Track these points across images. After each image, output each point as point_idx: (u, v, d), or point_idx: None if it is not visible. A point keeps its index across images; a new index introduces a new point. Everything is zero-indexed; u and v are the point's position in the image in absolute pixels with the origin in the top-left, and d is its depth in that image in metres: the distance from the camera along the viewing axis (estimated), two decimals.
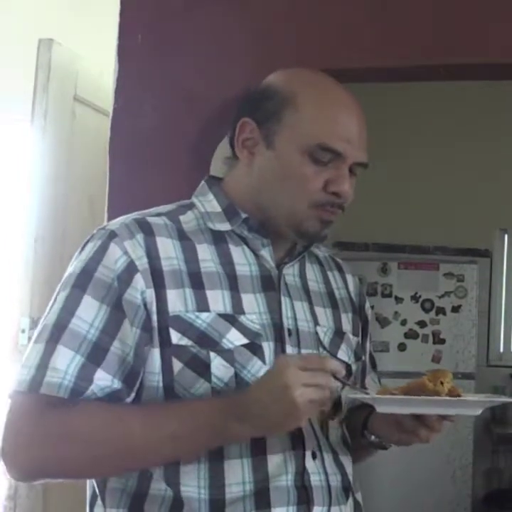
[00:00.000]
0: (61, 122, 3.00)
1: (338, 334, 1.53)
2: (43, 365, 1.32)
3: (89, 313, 1.34)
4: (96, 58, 3.13)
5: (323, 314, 1.52)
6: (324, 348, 1.49)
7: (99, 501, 1.41)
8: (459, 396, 1.37)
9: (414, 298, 5.02)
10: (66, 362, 1.32)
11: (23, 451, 1.34)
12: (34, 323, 2.74)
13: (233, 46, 2.71)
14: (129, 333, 1.35)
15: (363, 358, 1.62)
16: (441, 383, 1.35)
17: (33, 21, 3.42)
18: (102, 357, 1.33)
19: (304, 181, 1.40)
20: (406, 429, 1.42)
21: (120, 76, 2.78)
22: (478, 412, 1.37)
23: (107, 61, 2.85)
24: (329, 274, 1.60)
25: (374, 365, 1.69)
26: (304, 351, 1.45)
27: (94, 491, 1.42)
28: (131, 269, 1.36)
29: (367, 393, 1.39)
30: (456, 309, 5.00)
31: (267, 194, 1.44)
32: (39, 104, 2.89)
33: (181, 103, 2.73)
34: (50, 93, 2.90)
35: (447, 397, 1.35)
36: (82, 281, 1.36)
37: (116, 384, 1.34)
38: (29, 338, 2.75)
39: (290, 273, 1.50)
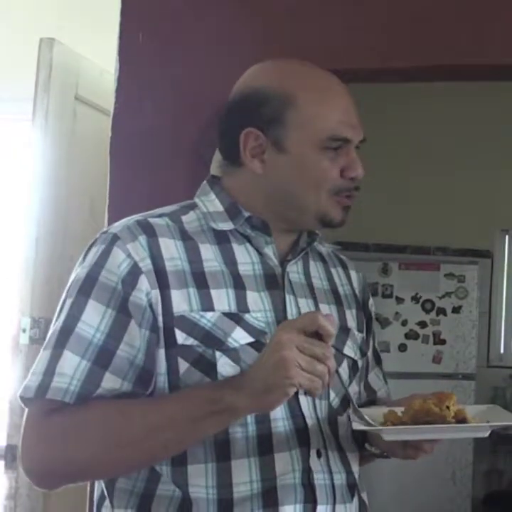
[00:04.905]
0: (62, 122, 2.99)
1: (344, 331, 1.53)
2: (50, 371, 1.33)
3: (95, 318, 1.35)
4: (97, 57, 3.12)
5: (328, 311, 1.51)
6: None
7: (107, 502, 1.41)
8: (465, 418, 1.36)
9: (415, 298, 5.03)
10: (73, 367, 1.33)
11: (32, 454, 1.35)
12: (35, 323, 2.73)
13: (235, 46, 2.70)
14: (137, 335, 1.35)
15: (368, 353, 1.62)
16: (448, 407, 1.35)
17: (34, 20, 3.42)
18: (109, 360, 1.34)
19: (324, 174, 1.43)
20: (411, 445, 1.43)
21: (121, 75, 2.77)
22: (486, 433, 1.37)
23: (108, 60, 2.85)
24: (333, 270, 1.60)
25: (378, 360, 1.68)
26: None
27: (102, 492, 1.42)
28: (135, 271, 1.36)
29: (368, 421, 1.37)
30: (456, 310, 5.01)
31: (291, 197, 1.44)
32: (40, 104, 2.88)
33: (182, 102, 2.73)
34: (51, 92, 2.89)
35: (456, 424, 1.35)
36: (87, 286, 1.37)
37: (126, 387, 1.34)
38: (30, 338, 2.75)
39: (294, 270, 1.50)
